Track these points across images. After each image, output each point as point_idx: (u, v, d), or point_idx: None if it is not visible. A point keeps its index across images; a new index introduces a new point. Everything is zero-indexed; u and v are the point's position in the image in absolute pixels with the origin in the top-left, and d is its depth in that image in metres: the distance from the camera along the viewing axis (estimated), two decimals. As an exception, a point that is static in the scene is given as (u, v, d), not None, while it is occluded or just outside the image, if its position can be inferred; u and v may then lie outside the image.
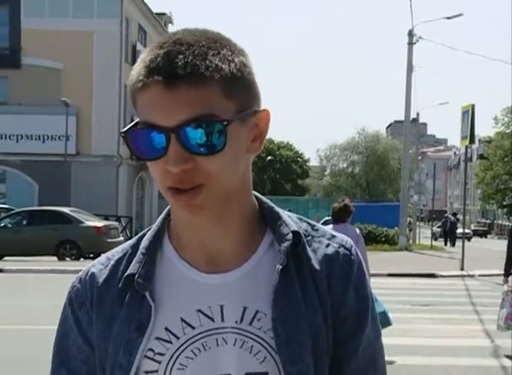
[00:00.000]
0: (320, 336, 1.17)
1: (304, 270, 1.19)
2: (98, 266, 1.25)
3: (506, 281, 8.19)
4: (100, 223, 21.60)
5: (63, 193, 28.24)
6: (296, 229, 1.21)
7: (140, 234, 1.27)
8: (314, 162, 68.94)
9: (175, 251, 1.21)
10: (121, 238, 21.94)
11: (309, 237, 1.23)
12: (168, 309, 1.17)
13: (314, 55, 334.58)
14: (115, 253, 1.26)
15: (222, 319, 1.16)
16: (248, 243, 1.20)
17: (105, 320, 1.20)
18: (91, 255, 21.14)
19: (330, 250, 1.23)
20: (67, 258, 20.71)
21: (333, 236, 1.25)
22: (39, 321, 9.41)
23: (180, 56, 1.07)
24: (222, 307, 1.16)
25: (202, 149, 1.08)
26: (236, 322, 1.16)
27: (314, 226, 1.27)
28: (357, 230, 7.33)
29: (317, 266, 1.20)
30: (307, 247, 1.22)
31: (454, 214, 47.66)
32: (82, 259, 20.60)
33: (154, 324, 1.16)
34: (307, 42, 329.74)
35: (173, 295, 1.18)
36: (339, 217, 7.23)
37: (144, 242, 1.23)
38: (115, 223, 23.72)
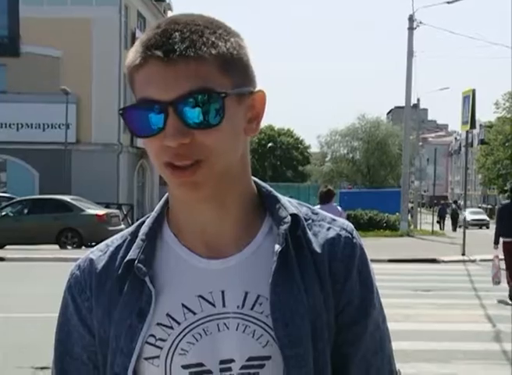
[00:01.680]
0: (319, 320, 1.17)
1: (305, 254, 1.19)
2: (97, 253, 1.25)
3: (496, 248, 11.86)
4: (101, 211, 21.62)
5: (64, 181, 28.23)
6: (295, 212, 1.21)
7: (139, 221, 1.27)
8: (314, 149, 68.90)
9: (174, 237, 1.21)
10: (122, 226, 21.94)
11: (309, 221, 1.24)
12: (169, 295, 1.17)
13: (314, 42, 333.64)
14: (114, 240, 1.27)
15: (224, 305, 1.16)
16: (247, 228, 1.20)
17: (105, 306, 1.20)
18: (93, 244, 21.17)
19: (331, 233, 1.23)
20: (68, 247, 20.73)
21: (334, 220, 1.26)
22: (41, 309, 9.44)
23: (177, 33, 1.09)
24: (223, 292, 1.17)
25: (200, 123, 1.08)
26: (238, 307, 1.16)
27: (314, 210, 1.27)
28: (339, 208, 9.74)
29: (318, 249, 1.20)
30: (308, 230, 1.22)
31: (455, 201, 48.68)
32: (83, 247, 20.62)
33: (154, 310, 1.16)
34: (306, 28, 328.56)
35: (174, 281, 1.18)
36: (325, 199, 9.37)
37: (144, 228, 1.23)
38: (117, 211, 23.74)
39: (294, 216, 1.20)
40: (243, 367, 1.14)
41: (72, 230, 20.96)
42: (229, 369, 1.14)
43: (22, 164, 31.06)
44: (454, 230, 38.66)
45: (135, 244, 1.21)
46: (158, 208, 1.26)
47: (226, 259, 1.19)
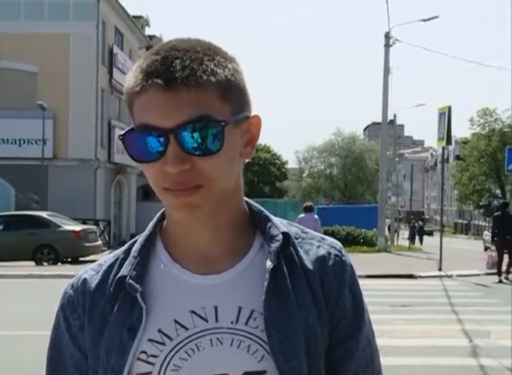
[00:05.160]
0: (313, 335, 1.19)
1: (297, 270, 1.22)
2: (90, 272, 1.27)
3: (492, 244, 17.98)
4: (78, 227, 21.50)
5: (40, 197, 28.02)
6: (286, 230, 1.24)
7: (132, 240, 1.29)
8: (292, 164, 69.07)
9: (167, 254, 1.23)
10: (99, 242, 21.85)
11: (300, 239, 1.27)
12: (161, 311, 1.17)
13: (290, 58, 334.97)
14: (107, 259, 1.28)
15: (216, 320, 1.17)
16: (239, 245, 1.23)
17: (97, 325, 1.21)
18: (69, 260, 21.01)
19: (321, 251, 1.26)
20: (45, 263, 20.56)
21: (323, 238, 1.29)
22: (16, 327, 9.32)
23: (178, 60, 1.11)
24: (216, 308, 1.18)
25: (200, 150, 1.10)
26: (232, 322, 1.17)
27: (304, 229, 1.30)
28: (316, 216, 14.65)
29: (310, 266, 1.23)
30: (299, 248, 1.24)
31: (422, 219, 51.90)
32: (60, 264, 20.46)
33: (146, 326, 1.16)
34: (282, 45, 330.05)
35: (166, 297, 1.19)
36: (307, 210, 14.45)
37: (136, 246, 1.25)
38: (93, 227, 23.63)
39: (285, 235, 1.23)
40: None
41: (49, 247, 20.82)
42: None
43: (-3, 180, 30.78)
44: (421, 243, 43.46)
45: (127, 262, 1.22)
46: (150, 226, 1.27)
47: (219, 275, 1.20)
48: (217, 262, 1.21)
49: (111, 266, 1.25)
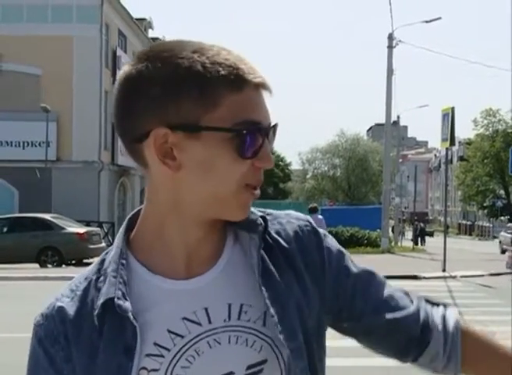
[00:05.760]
0: (303, 311, 1.21)
1: (275, 252, 1.23)
2: (64, 299, 1.21)
3: None
4: (82, 229, 21.51)
5: (44, 199, 28.06)
6: (263, 214, 1.27)
7: (99, 259, 1.24)
8: (295, 166, 69.12)
9: (144, 268, 1.20)
10: (103, 244, 21.82)
11: (268, 222, 1.28)
12: (153, 325, 1.16)
13: (292, 58, 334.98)
14: (77, 284, 1.23)
15: (210, 321, 1.17)
16: (216, 242, 1.23)
17: (87, 352, 1.16)
18: (73, 262, 21.03)
19: (292, 227, 1.28)
20: (49, 265, 20.58)
21: (286, 214, 1.32)
22: (20, 329, 9.32)
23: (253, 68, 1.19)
24: (206, 309, 1.17)
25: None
26: (225, 320, 1.17)
27: (266, 211, 1.31)
28: (321, 217, 14.90)
29: (286, 245, 1.25)
30: (270, 231, 1.26)
31: (423, 221, 51.62)
32: (64, 266, 20.47)
33: (141, 343, 1.14)
34: (284, 44, 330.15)
35: (154, 310, 1.17)
36: (312, 211, 15.06)
37: (112, 265, 1.20)
38: (97, 229, 23.61)
39: (264, 218, 1.25)
40: None
41: (53, 249, 20.83)
42: None
43: (1, 182, 30.84)
44: (422, 244, 42.19)
45: (107, 283, 1.18)
46: (119, 242, 1.23)
47: (203, 276, 1.20)
48: (198, 263, 1.20)
49: (86, 290, 1.20)
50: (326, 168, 61.96)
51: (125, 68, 1.17)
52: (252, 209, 1.23)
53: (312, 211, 15.06)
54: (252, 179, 1.16)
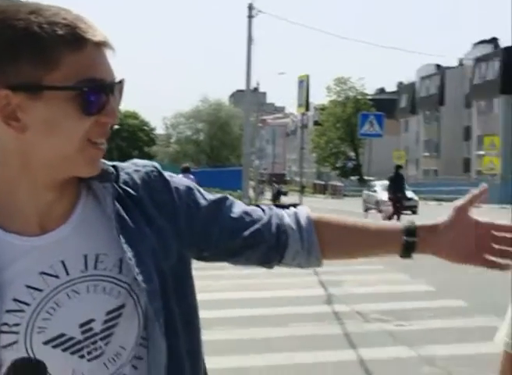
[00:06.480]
0: (157, 254, 1.22)
1: (126, 201, 1.24)
2: None
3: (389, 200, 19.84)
4: None
5: None
6: (114, 164, 1.27)
7: None
8: (160, 131, 68.48)
9: None
10: None
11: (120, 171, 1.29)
12: (11, 282, 1.14)
13: (159, 28, 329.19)
14: None
15: (67, 273, 1.17)
16: (70, 198, 1.21)
17: None
18: None
19: (139, 175, 1.28)
20: None
21: (133, 163, 1.32)
22: None
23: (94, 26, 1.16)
24: (63, 262, 1.17)
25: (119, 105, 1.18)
26: (82, 271, 1.17)
27: (111, 163, 1.30)
28: (192, 176, 13.87)
29: (135, 193, 1.25)
30: (119, 181, 1.27)
31: (277, 182, 50.82)
32: None
33: (0, 301, 1.13)
34: (150, 17, 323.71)
35: (12, 268, 1.15)
36: (185, 171, 15.11)
37: None
38: None
39: (115, 167, 1.26)
40: (104, 322, 1.17)
41: None
42: (91, 329, 1.17)
43: None
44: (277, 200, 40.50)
45: None
46: None
47: (57, 231, 1.19)
48: (51, 220, 1.19)
49: None
50: (190, 132, 61.91)
51: None
52: (103, 161, 1.22)
53: (184, 171, 15.43)
54: (97, 135, 1.14)
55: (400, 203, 19.87)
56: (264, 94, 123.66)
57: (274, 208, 1.39)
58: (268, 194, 44.16)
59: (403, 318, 7.76)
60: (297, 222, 1.36)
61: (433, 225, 1.34)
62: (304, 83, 22.40)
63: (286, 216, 1.37)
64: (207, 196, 1.34)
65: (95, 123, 1.13)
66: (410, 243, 1.33)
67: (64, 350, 1.15)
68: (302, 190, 26.62)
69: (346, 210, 27.14)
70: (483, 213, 1.34)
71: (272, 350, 6.51)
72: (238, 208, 1.36)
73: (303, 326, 7.47)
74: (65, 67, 1.10)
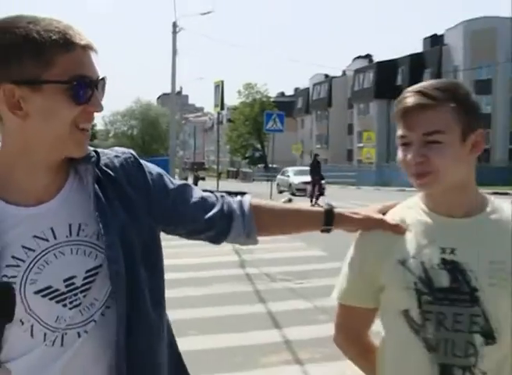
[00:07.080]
0: (126, 229, 1.24)
1: (105, 182, 1.26)
2: None
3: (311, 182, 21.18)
4: None
5: None
6: (96, 149, 1.30)
7: None
8: (99, 127, 66.72)
9: (1, 201, 1.20)
10: None
11: (100, 155, 1.31)
12: (11, 243, 1.17)
13: (100, 36, 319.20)
14: None
15: (55, 238, 1.20)
16: (60, 178, 1.25)
17: None
18: None
19: (118, 160, 1.32)
20: None
21: (112, 149, 1.35)
22: None
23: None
24: (52, 228, 1.20)
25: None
26: (67, 236, 1.21)
27: (97, 149, 1.33)
28: None
29: (114, 174, 1.28)
30: (101, 164, 1.29)
31: (196, 169, 49.98)
32: None
33: (1, 258, 1.16)
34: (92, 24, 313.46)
35: (12, 232, 1.18)
36: None
37: None
38: None
39: (96, 152, 1.28)
40: (84, 278, 1.21)
41: None
42: (73, 283, 1.20)
43: None
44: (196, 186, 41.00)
45: None
46: None
47: (49, 203, 1.22)
48: (45, 194, 1.21)
49: None
50: (125, 128, 60.73)
51: None
52: (87, 147, 1.25)
53: None
54: (84, 120, 1.18)
55: (319, 184, 20.99)
56: (186, 96, 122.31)
57: (225, 195, 1.45)
58: (190, 180, 43.94)
59: (302, 277, 7.90)
60: (241, 209, 1.42)
61: (347, 213, 1.49)
62: (219, 88, 22.44)
63: (233, 204, 1.42)
64: (174, 181, 1.39)
65: (83, 111, 1.17)
66: (328, 225, 1.48)
67: (50, 299, 1.19)
68: (219, 175, 26.69)
69: (255, 191, 27.34)
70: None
71: (197, 306, 6.52)
72: (198, 193, 1.40)
73: (223, 285, 7.50)
74: (59, 65, 1.14)
